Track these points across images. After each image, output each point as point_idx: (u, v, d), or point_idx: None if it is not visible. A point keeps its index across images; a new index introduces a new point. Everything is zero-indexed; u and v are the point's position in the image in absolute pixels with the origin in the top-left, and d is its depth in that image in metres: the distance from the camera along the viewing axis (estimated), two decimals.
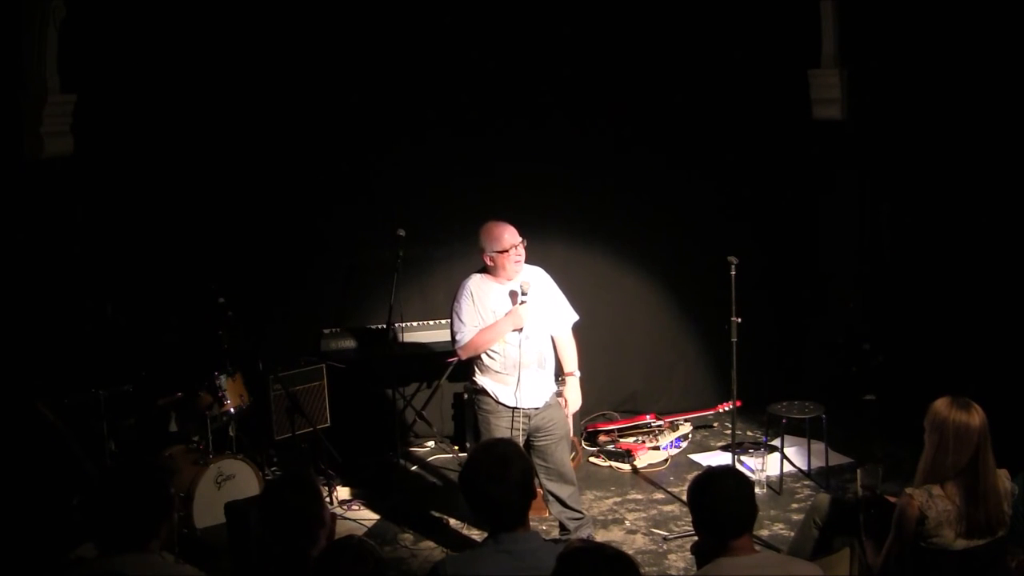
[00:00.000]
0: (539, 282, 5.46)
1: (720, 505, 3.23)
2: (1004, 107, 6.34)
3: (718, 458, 6.92)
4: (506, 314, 5.31)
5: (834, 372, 7.49)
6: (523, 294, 5.29)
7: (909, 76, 6.89)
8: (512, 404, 5.34)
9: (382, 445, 6.97)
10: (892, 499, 4.25)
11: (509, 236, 5.28)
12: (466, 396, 6.83)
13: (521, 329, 5.27)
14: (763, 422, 6.90)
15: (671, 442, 7.16)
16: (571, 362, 5.63)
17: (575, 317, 5.63)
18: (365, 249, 7.15)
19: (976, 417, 3.94)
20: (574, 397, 5.64)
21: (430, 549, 5.85)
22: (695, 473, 3.54)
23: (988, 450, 3.95)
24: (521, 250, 5.31)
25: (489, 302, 5.35)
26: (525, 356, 5.28)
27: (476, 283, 5.41)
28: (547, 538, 4.79)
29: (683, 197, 7.60)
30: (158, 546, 3.13)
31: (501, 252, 5.27)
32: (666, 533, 5.94)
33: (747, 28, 7.36)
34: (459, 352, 5.44)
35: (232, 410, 6.12)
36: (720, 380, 7.19)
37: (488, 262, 5.35)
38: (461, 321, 5.35)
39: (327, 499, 6.33)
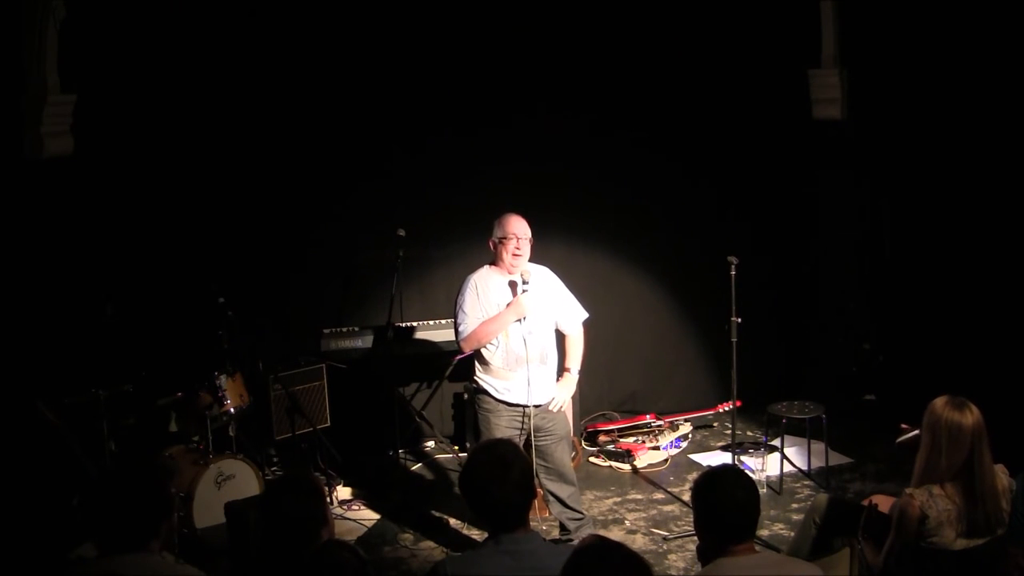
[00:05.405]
0: (544, 280, 5.46)
1: (726, 511, 3.18)
2: (1004, 106, 6.35)
3: (718, 458, 6.92)
4: (508, 304, 5.32)
5: (834, 372, 7.49)
6: (524, 283, 5.30)
7: (909, 76, 6.89)
8: (513, 400, 5.34)
9: (382, 445, 6.98)
10: (889, 499, 4.25)
11: (514, 226, 5.30)
12: (466, 396, 6.84)
13: (524, 319, 5.28)
14: (763, 422, 6.90)
15: (671, 442, 7.16)
16: (572, 359, 5.61)
17: (584, 314, 5.62)
18: (365, 249, 7.16)
19: (969, 417, 3.91)
20: (563, 394, 5.54)
21: (430, 549, 5.85)
22: (696, 473, 3.54)
23: (984, 450, 3.92)
24: (523, 246, 5.30)
25: (492, 296, 5.36)
26: (528, 351, 5.28)
27: (481, 277, 5.42)
28: (547, 538, 4.78)
29: (683, 197, 7.61)
30: (158, 546, 3.13)
31: (502, 239, 5.29)
32: (666, 533, 5.94)
33: (747, 28, 7.36)
34: (461, 344, 5.43)
35: (232, 410, 6.12)
36: (720, 380, 7.19)
37: (491, 247, 5.39)
38: (464, 312, 5.36)
39: (327, 499, 6.33)
